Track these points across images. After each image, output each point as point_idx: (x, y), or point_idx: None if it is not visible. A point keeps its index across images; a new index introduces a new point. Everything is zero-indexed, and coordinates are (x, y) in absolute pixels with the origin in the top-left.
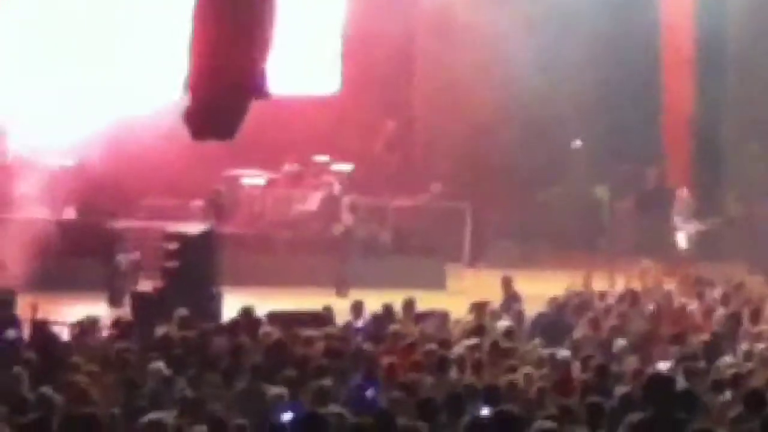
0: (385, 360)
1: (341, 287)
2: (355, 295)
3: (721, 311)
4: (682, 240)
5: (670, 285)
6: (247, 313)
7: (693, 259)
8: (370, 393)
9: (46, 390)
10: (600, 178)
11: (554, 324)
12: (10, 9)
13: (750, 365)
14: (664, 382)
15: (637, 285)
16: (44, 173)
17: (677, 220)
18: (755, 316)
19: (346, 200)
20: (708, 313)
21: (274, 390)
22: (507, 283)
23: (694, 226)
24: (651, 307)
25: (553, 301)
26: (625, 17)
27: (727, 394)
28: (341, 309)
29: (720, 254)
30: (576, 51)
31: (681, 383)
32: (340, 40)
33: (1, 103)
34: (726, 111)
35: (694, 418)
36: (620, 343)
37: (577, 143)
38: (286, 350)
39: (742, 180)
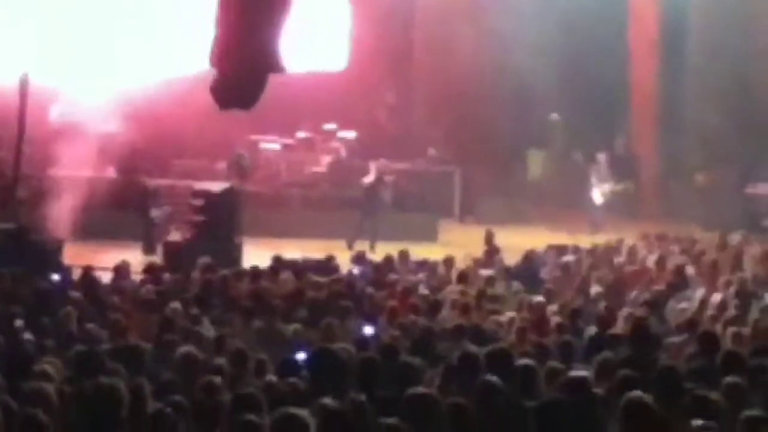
0: (386, 303)
1: (354, 240)
2: (359, 246)
3: (678, 262)
4: (597, 197)
5: (633, 240)
6: (277, 260)
7: (607, 211)
8: (371, 332)
9: (92, 326)
10: (575, 145)
11: (531, 272)
12: None
13: (709, 312)
14: (642, 325)
15: (606, 239)
16: (90, 137)
17: (593, 180)
18: (713, 267)
19: (373, 163)
20: (666, 264)
21: (295, 327)
22: (489, 237)
23: (608, 186)
24: (620, 259)
25: (531, 252)
26: (598, 6)
27: (684, 336)
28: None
29: (679, 214)
30: (555, 34)
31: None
32: (349, 23)
33: (55, 74)
34: (687, 85)
35: (660, 357)
36: (592, 289)
37: (555, 116)
38: (300, 294)
39: (703, 148)
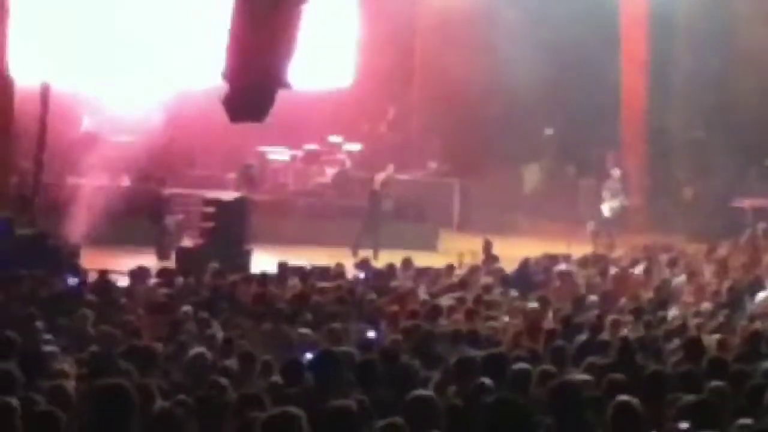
0: (388, 309)
1: (358, 247)
2: (363, 254)
3: (666, 273)
4: (605, 210)
5: (620, 251)
6: (282, 266)
7: (614, 225)
8: (373, 335)
9: (106, 327)
10: (568, 159)
11: (526, 280)
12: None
13: (697, 320)
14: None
15: (594, 250)
16: (107, 147)
17: (605, 194)
18: (701, 276)
19: (380, 175)
20: (654, 274)
21: (300, 330)
22: (487, 246)
23: (618, 201)
24: (612, 270)
25: (526, 261)
26: (590, 28)
27: (675, 342)
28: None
29: (666, 226)
30: (548, 54)
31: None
32: (355, 45)
33: (74, 85)
34: (674, 104)
35: (647, 365)
36: (586, 299)
37: (549, 131)
38: (305, 298)
39: (689, 163)
